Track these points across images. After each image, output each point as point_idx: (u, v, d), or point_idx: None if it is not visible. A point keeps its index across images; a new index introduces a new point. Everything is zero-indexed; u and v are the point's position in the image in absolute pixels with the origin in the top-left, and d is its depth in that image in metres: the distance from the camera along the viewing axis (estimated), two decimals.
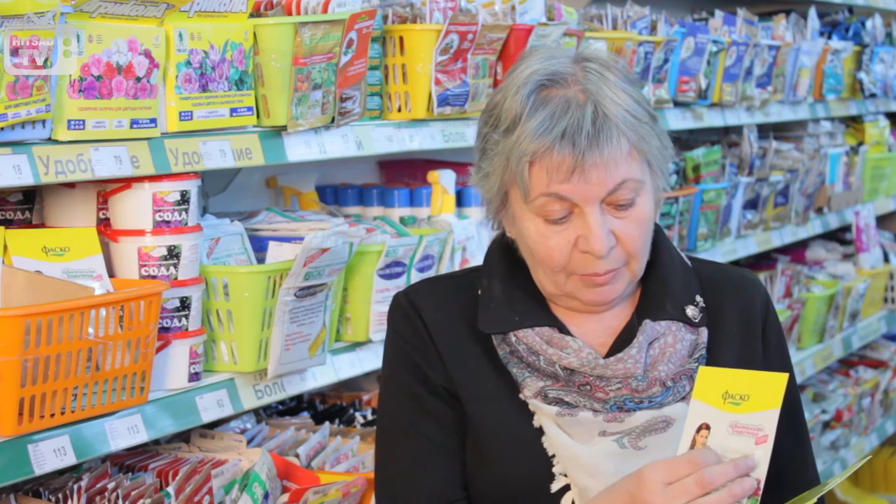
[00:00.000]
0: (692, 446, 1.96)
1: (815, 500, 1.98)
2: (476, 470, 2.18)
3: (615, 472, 2.10)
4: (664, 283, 2.20)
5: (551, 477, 2.13)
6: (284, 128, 2.79)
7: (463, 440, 2.19)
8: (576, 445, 2.12)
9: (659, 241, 2.23)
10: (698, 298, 2.21)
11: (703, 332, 2.20)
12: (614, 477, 2.08)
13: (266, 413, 3.32)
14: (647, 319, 2.17)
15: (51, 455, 2.29)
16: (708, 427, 1.96)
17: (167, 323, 2.60)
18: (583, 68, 2.10)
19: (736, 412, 1.95)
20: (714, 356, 2.20)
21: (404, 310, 2.23)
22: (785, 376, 1.95)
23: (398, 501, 2.21)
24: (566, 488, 2.13)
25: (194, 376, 2.65)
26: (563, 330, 2.16)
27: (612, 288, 2.14)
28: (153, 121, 2.48)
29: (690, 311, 2.19)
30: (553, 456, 2.13)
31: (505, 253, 2.24)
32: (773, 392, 1.94)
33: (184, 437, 2.91)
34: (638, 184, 2.09)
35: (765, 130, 5.65)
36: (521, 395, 2.16)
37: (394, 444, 2.22)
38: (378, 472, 2.25)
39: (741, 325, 2.23)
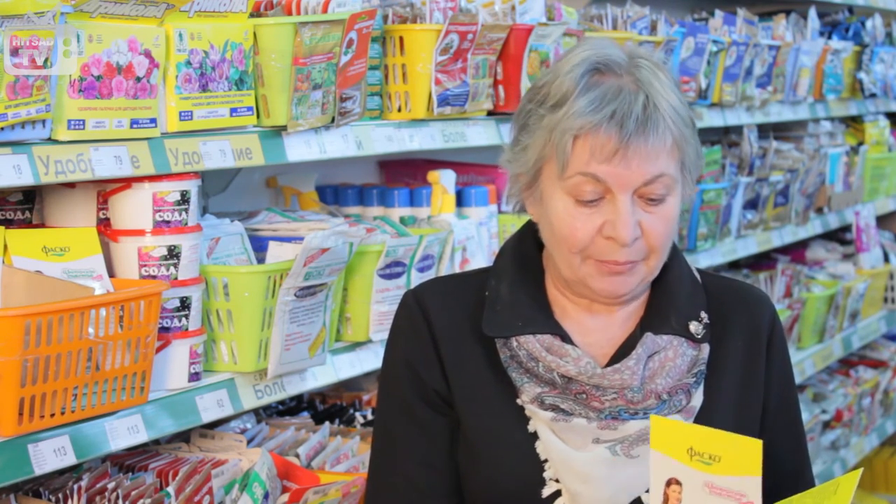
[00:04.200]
0: (665, 502, 1.90)
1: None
2: (468, 473, 2.19)
3: (607, 478, 2.11)
4: (671, 297, 2.21)
5: (542, 482, 2.14)
6: (284, 128, 2.78)
7: (451, 450, 2.20)
8: (569, 451, 2.12)
9: (671, 254, 2.24)
10: (703, 314, 2.22)
11: (705, 349, 2.20)
12: (606, 483, 2.10)
13: (266, 413, 3.32)
14: (649, 332, 2.17)
15: (51, 455, 2.29)
16: (678, 482, 1.89)
17: (167, 323, 2.60)
18: (635, 63, 2.14)
19: (709, 472, 1.86)
20: (714, 372, 2.20)
21: (410, 309, 2.24)
22: (759, 443, 1.83)
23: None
24: (557, 494, 2.14)
25: (194, 376, 2.65)
26: (566, 339, 2.17)
27: (627, 280, 2.13)
28: (153, 121, 2.48)
29: (693, 326, 2.20)
30: (545, 461, 2.14)
31: (517, 255, 2.25)
32: (750, 458, 1.83)
33: (184, 437, 2.91)
34: (672, 181, 2.12)
35: (765, 130, 5.65)
36: (517, 400, 2.17)
37: (381, 448, 2.25)
38: (368, 474, 2.28)
39: (746, 341, 2.24)
